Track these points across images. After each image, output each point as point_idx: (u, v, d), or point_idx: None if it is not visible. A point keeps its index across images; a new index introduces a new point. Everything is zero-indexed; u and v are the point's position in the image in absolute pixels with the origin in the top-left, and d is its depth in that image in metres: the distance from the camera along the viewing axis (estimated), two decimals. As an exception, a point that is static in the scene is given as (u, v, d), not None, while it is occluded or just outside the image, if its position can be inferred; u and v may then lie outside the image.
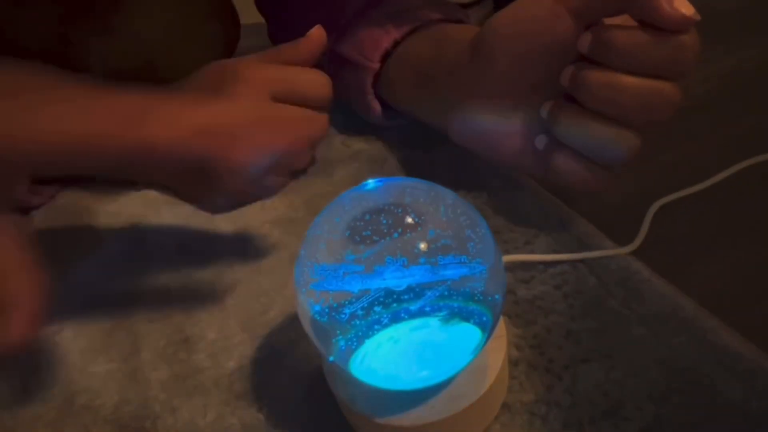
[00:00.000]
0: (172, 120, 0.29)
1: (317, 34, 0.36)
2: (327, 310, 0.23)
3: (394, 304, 0.22)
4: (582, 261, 0.33)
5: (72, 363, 0.32)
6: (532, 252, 0.34)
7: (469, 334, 0.23)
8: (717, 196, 0.37)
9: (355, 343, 0.23)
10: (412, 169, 0.42)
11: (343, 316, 0.22)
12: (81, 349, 0.32)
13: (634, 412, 0.25)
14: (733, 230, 0.35)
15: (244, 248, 0.37)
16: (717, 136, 0.42)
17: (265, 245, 0.37)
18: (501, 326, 0.27)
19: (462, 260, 0.23)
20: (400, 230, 0.22)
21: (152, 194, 0.42)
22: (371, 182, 0.24)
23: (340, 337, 0.23)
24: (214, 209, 0.36)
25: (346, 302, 0.22)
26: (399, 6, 0.42)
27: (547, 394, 0.27)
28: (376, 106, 0.42)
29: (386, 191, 0.24)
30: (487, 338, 0.24)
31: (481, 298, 0.23)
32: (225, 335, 0.32)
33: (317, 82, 0.35)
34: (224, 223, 0.39)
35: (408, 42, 0.41)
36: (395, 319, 0.22)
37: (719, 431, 0.25)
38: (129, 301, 0.35)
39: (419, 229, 0.23)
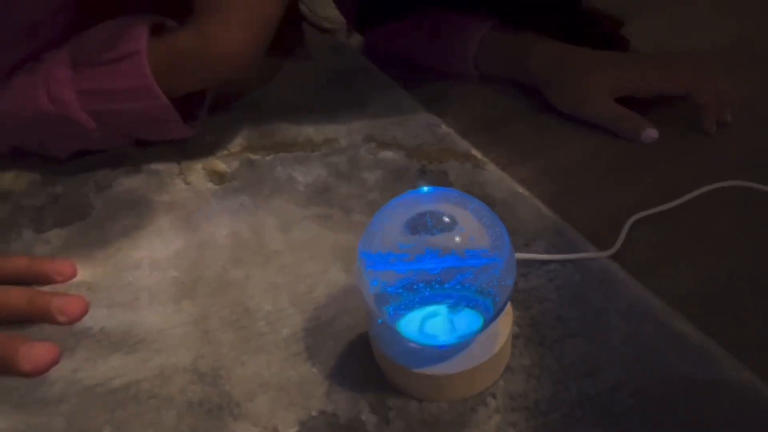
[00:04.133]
0: None
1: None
2: (383, 285, 0.30)
3: (432, 283, 0.29)
4: (570, 261, 0.40)
5: (150, 325, 0.38)
6: (530, 252, 0.41)
7: (486, 309, 0.31)
8: (686, 213, 0.44)
9: (401, 310, 0.30)
10: (429, 179, 0.49)
11: (393, 289, 0.30)
12: (156, 313, 0.39)
13: (607, 374, 0.33)
14: (697, 244, 0.42)
15: (288, 238, 0.44)
16: (693, 159, 0.49)
17: (305, 237, 0.44)
18: (508, 306, 0.34)
19: (484, 252, 0.30)
20: (439, 228, 0.30)
21: (201, 188, 0.49)
22: (424, 189, 0.31)
23: (391, 305, 0.30)
24: None
25: (395, 280, 0.30)
26: None
27: (541, 360, 0.34)
28: None
29: (429, 197, 0.31)
30: (499, 313, 0.31)
31: (497, 282, 0.30)
32: (279, 308, 0.39)
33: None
34: (268, 215, 0.46)
35: None
36: (432, 293, 0.30)
37: (672, 391, 0.32)
38: (192, 278, 0.41)
39: (454, 227, 0.30)
